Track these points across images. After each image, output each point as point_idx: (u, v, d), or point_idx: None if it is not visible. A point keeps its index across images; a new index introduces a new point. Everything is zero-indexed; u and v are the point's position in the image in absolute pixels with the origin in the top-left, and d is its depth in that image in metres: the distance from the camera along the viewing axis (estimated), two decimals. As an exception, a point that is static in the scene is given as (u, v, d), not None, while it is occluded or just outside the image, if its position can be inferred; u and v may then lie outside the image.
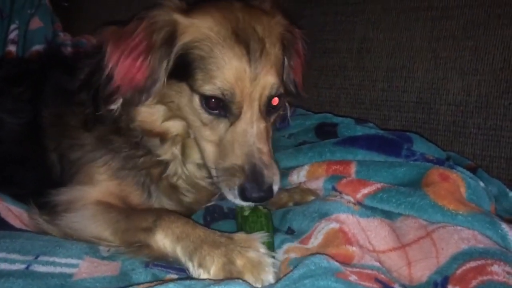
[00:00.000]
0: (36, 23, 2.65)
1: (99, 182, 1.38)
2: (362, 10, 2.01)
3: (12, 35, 2.60)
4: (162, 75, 1.29)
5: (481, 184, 1.32)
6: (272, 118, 1.36)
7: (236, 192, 1.23)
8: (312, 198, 1.41)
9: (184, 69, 1.27)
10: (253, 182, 1.21)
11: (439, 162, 1.39)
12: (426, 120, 1.82)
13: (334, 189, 1.37)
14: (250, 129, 1.25)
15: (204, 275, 1.08)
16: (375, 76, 1.93)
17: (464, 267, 1.04)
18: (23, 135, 1.57)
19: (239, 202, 1.25)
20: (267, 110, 1.31)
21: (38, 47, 2.54)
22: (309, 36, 1.55)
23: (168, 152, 1.40)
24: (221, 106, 1.26)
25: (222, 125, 1.28)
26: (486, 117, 1.70)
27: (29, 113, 1.57)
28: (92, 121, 1.36)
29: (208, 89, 1.24)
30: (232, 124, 1.26)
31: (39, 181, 1.52)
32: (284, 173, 1.54)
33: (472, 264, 1.03)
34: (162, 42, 1.27)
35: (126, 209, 1.33)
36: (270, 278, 1.05)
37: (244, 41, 1.24)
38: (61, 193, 1.35)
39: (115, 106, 1.32)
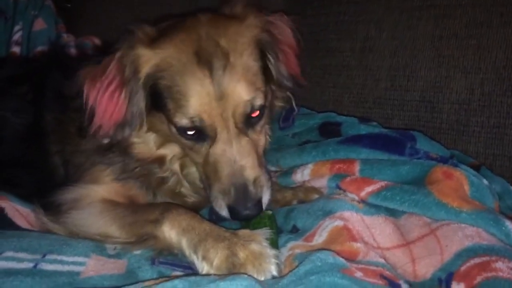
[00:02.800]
0: (39, 24, 2.65)
1: (105, 182, 1.40)
2: (364, 10, 2.01)
3: (16, 36, 2.60)
4: (139, 108, 1.30)
5: (485, 182, 1.32)
6: (258, 127, 1.33)
7: (226, 211, 1.25)
8: (316, 196, 1.42)
9: (158, 100, 1.28)
10: (239, 202, 1.22)
11: (443, 160, 1.39)
12: (429, 118, 1.82)
13: (338, 187, 1.38)
14: (229, 148, 1.24)
15: (207, 267, 1.10)
16: (378, 75, 1.93)
17: (468, 264, 1.04)
18: (26, 136, 1.59)
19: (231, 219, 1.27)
20: (246, 124, 1.28)
21: (42, 48, 2.55)
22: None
23: (167, 171, 1.43)
24: (197, 131, 1.26)
25: (203, 148, 1.29)
26: (489, 115, 1.70)
27: (32, 115, 1.59)
28: (86, 130, 1.37)
29: (178, 119, 1.24)
30: (211, 146, 1.26)
31: (41, 182, 1.53)
32: (288, 171, 1.55)
33: (477, 260, 1.04)
34: (131, 76, 1.28)
35: (132, 205, 1.35)
36: (272, 268, 1.06)
37: (206, 62, 1.22)
38: (66, 192, 1.37)
39: (106, 140, 1.35)
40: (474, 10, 1.76)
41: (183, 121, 1.24)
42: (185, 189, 1.47)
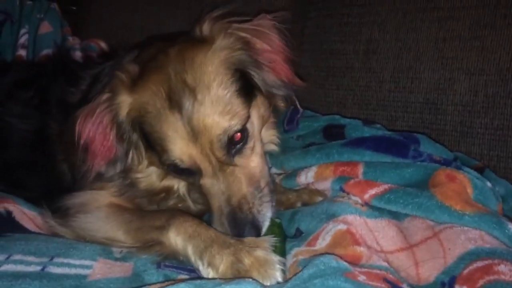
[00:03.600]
0: (45, 28, 2.67)
1: (109, 191, 1.42)
2: (368, 12, 2.01)
3: (22, 40, 2.62)
4: (133, 144, 1.33)
5: (488, 184, 1.32)
6: (246, 151, 1.30)
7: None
8: (320, 199, 1.42)
9: (149, 140, 1.30)
10: (233, 232, 1.23)
11: (446, 163, 1.39)
12: (433, 120, 1.82)
13: (341, 190, 1.38)
14: (216, 181, 1.26)
15: (212, 273, 1.11)
16: (382, 77, 1.94)
17: (471, 267, 1.05)
18: (32, 142, 1.61)
19: None
20: (230, 153, 1.26)
21: (48, 51, 2.57)
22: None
23: (175, 194, 1.45)
24: (185, 169, 1.27)
25: (196, 181, 1.31)
26: (493, 117, 1.70)
27: (38, 121, 1.61)
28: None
29: (164, 162, 1.27)
30: (200, 179, 1.29)
31: (48, 186, 1.56)
32: (292, 174, 1.56)
33: (479, 264, 1.05)
34: (116, 120, 1.30)
35: (139, 210, 1.37)
36: (277, 275, 1.07)
37: (176, 104, 1.21)
38: (73, 197, 1.39)
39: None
40: (477, 12, 1.76)
41: (169, 163, 1.26)
42: (188, 204, 1.48)
